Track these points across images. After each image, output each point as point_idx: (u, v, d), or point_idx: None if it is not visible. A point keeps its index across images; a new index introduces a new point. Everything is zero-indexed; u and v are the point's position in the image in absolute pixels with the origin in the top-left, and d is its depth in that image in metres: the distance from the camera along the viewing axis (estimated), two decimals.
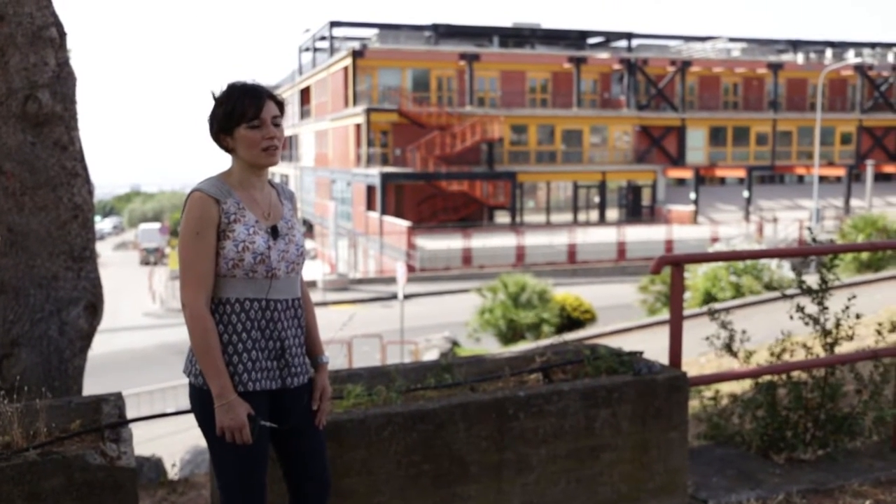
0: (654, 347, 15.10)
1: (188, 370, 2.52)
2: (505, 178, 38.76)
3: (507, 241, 33.83)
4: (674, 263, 3.71)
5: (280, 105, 2.56)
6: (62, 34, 5.19)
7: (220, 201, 2.47)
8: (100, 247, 63.16)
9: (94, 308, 5.48)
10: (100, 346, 21.43)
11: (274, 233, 2.53)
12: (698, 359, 11.29)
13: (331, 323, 24.08)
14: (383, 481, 3.00)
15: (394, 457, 3.01)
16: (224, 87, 2.53)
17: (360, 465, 2.96)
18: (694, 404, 6.54)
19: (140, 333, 26.50)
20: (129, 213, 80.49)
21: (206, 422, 2.46)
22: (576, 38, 47.15)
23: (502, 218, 39.59)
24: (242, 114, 2.46)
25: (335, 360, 20.10)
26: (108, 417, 2.93)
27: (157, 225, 57.04)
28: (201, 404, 2.47)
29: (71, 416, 3.01)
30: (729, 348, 4.24)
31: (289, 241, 2.57)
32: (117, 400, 3.08)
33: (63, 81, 5.13)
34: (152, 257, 49.03)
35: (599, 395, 3.30)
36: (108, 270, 46.36)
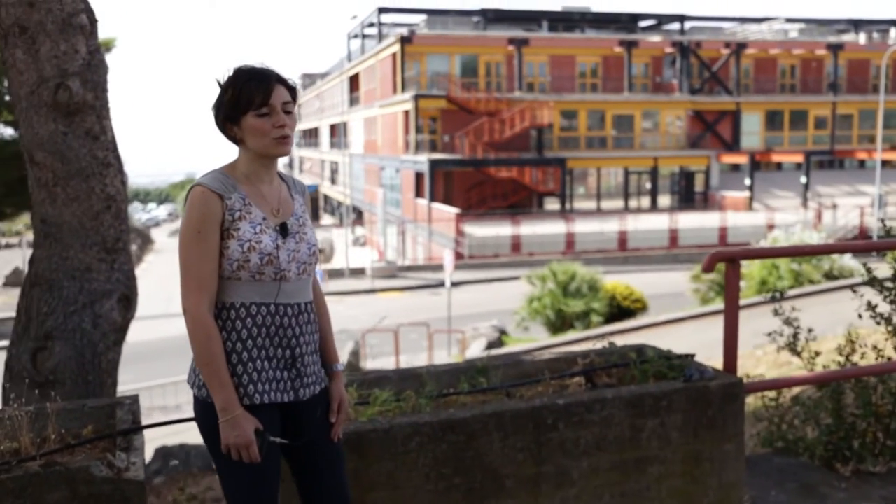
0: (707, 339, 14.67)
1: (192, 381, 2.33)
2: (555, 164, 38.26)
3: (556, 228, 33.40)
4: (728, 260, 3.41)
5: (292, 90, 2.35)
6: (93, 21, 5.06)
7: (223, 197, 2.27)
8: (155, 233, 64.36)
9: (127, 300, 5.37)
10: (155, 331, 21.76)
11: (283, 231, 2.33)
12: (754, 351, 10.87)
13: (378, 311, 24.14)
14: (410, 496, 2.79)
15: (422, 469, 2.80)
16: (230, 72, 2.32)
17: (385, 478, 2.76)
18: (751, 401, 6.22)
19: None
20: (182, 201, 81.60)
21: (212, 437, 2.27)
22: (627, 22, 46.26)
23: (552, 205, 39.12)
24: (249, 100, 2.25)
25: (383, 346, 20.11)
26: (122, 423, 2.78)
27: None
28: (205, 418, 2.28)
29: (84, 420, 2.86)
30: (793, 348, 3.93)
31: (300, 239, 2.36)
32: (132, 404, 2.92)
33: (94, 69, 5.00)
34: None
35: (646, 404, 3.04)
36: (163, 256, 47.35)
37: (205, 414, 2.27)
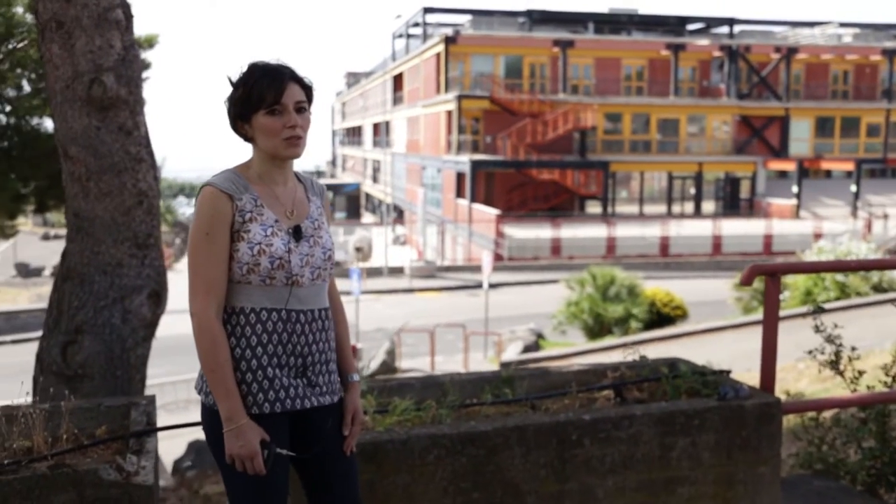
0: (747, 349, 14.34)
1: (199, 387, 2.25)
2: (597, 167, 37.91)
3: (597, 231, 33.07)
4: (768, 274, 3.26)
5: (307, 89, 2.26)
6: (129, 16, 5.05)
7: (233, 197, 2.19)
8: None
9: (157, 296, 5.36)
10: (188, 325, 21.94)
11: (297, 234, 2.24)
12: (796, 364, 10.58)
13: (415, 311, 24.10)
14: None
15: (440, 483, 2.70)
16: (243, 69, 2.25)
17: (401, 491, 2.67)
18: (789, 417, 6.01)
19: None
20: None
21: (218, 446, 2.18)
22: (674, 24, 45.66)
23: (593, 208, 38.76)
24: (261, 98, 2.17)
25: (419, 346, 20.06)
26: (136, 424, 2.72)
27: None
28: (212, 426, 2.20)
29: (99, 419, 2.82)
30: (835, 366, 3.75)
31: (314, 243, 2.27)
32: (148, 405, 2.87)
33: (128, 65, 5.00)
34: None
35: (677, 422, 2.91)
36: None
37: (211, 422, 2.19)
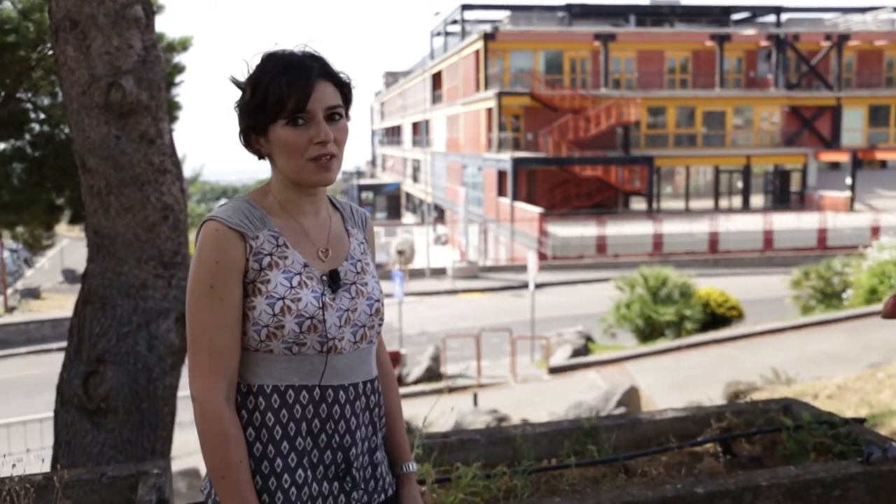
0: (811, 353, 13.50)
1: (206, 491, 1.70)
2: (641, 162, 37.03)
3: (643, 228, 32.24)
4: None
5: (344, 88, 1.69)
6: (149, 13, 4.59)
7: (246, 236, 1.63)
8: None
9: (185, 320, 4.93)
10: None
11: (333, 282, 1.68)
12: (874, 372, 9.83)
13: (458, 312, 23.56)
14: None
15: None
16: (256, 61, 1.67)
17: None
18: None
19: None
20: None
21: None
22: (719, 14, 44.51)
23: (638, 204, 37.89)
24: (279, 103, 1.61)
25: (463, 350, 19.53)
26: (144, 502, 2.23)
27: None
28: None
29: (101, 494, 2.33)
30: None
31: (357, 293, 1.71)
32: (159, 476, 2.37)
33: (149, 67, 4.54)
34: None
35: (813, 493, 2.34)
36: None
37: None
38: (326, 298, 1.66)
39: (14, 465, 2.35)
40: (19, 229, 11.09)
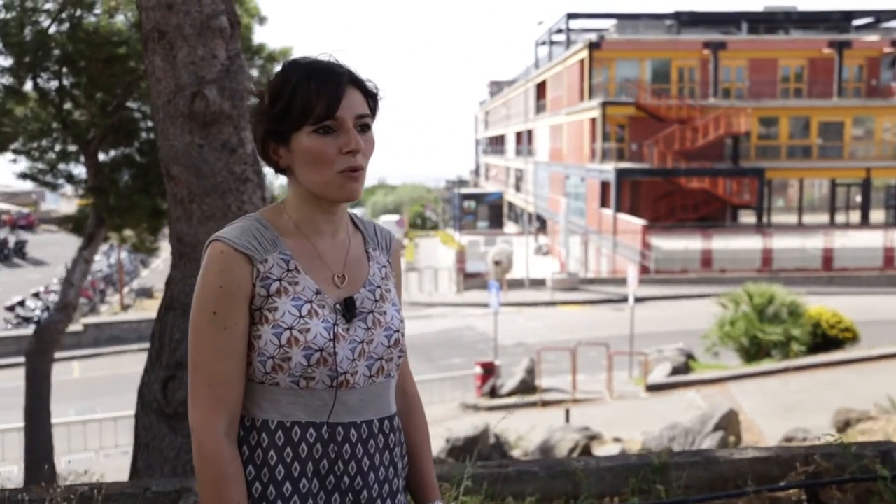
0: None
1: None
2: (751, 174, 35.71)
3: (752, 243, 31.08)
4: None
5: (371, 97, 1.57)
6: (234, 24, 4.63)
7: (254, 259, 1.52)
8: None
9: None
10: None
11: (348, 311, 1.55)
12: None
13: (556, 324, 23.26)
14: None
15: None
16: (278, 69, 1.57)
17: None
18: None
19: None
20: (371, 205, 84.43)
21: None
22: (838, 20, 42.54)
23: (747, 218, 36.56)
24: (306, 109, 1.50)
25: (560, 363, 19.19)
26: None
27: (395, 217, 59.08)
28: None
29: None
30: None
31: (374, 322, 1.58)
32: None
33: (233, 76, 4.57)
34: None
35: None
36: None
37: None
38: (339, 329, 1.54)
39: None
40: (127, 232, 11.52)
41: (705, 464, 2.56)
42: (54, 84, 10.30)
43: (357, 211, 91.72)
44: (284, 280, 1.54)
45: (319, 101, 1.50)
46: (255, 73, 11.17)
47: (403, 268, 40.72)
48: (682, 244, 30.88)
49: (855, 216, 37.55)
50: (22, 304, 26.58)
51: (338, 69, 1.55)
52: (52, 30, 10.12)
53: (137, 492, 2.34)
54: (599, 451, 10.43)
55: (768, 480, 2.51)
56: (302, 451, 1.52)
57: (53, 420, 12.52)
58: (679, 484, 2.46)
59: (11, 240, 43.93)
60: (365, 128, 1.56)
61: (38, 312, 25.06)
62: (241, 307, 1.52)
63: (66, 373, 20.06)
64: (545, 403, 16.15)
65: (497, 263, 31.31)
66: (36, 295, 27.75)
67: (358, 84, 1.56)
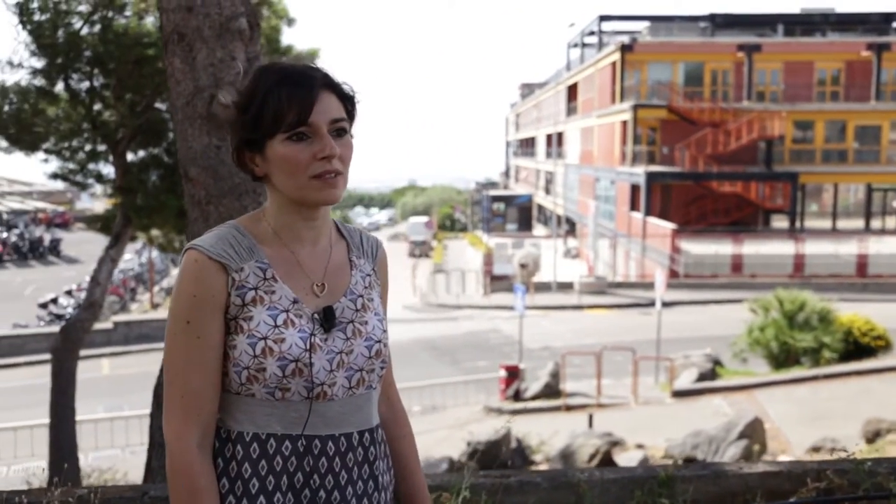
0: None
1: None
2: (785, 178, 35.24)
3: (784, 248, 30.66)
4: None
5: (348, 101, 1.55)
6: (254, 25, 4.64)
7: (228, 268, 1.49)
8: (377, 236, 67.06)
9: None
10: None
11: (327, 320, 1.51)
12: None
13: (583, 328, 23.11)
14: None
15: None
16: (251, 74, 1.58)
17: None
18: None
19: (398, 326, 27.10)
20: (401, 206, 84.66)
21: None
22: (877, 22, 41.82)
23: (780, 222, 36.09)
24: (278, 116, 1.47)
25: (585, 367, 19.06)
26: None
27: (424, 219, 59.15)
28: None
29: None
30: None
31: (353, 332, 1.54)
32: None
33: None
34: (418, 250, 50.66)
35: None
36: None
37: None
38: (316, 339, 1.50)
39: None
40: (154, 232, 11.63)
41: (713, 477, 2.50)
42: (85, 85, 10.43)
43: (386, 213, 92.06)
44: (260, 289, 1.51)
45: (291, 107, 1.48)
46: None
47: (431, 269, 40.45)
48: (713, 248, 30.56)
49: (891, 222, 36.94)
50: (55, 301, 26.96)
51: (310, 73, 1.51)
52: (83, 31, 10.25)
53: (136, 496, 2.33)
54: (621, 457, 10.33)
55: (779, 496, 2.45)
56: (277, 464, 1.49)
57: (81, 417, 12.69)
58: (685, 498, 2.40)
59: (47, 238, 44.65)
60: (341, 132, 1.53)
61: (69, 310, 25.38)
62: (216, 316, 1.49)
63: (96, 370, 20.33)
64: (569, 408, 16.04)
65: (523, 266, 31.21)
66: (69, 292, 28.13)
67: (333, 88, 1.53)
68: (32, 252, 43.59)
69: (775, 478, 2.50)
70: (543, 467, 11.28)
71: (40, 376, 18.60)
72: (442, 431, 15.13)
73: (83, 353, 13.00)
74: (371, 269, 1.66)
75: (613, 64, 38.18)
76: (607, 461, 9.88)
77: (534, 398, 16.93)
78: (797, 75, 37.81)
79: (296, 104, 1.48)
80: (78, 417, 11.80)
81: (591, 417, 13.76)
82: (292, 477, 1.50)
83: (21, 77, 10.37)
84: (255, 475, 1.49)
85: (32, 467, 10.84)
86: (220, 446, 1.52)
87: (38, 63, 10.25)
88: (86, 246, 39.81)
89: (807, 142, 37.17)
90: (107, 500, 2.23)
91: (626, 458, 10.06)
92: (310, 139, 1.50)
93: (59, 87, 10.40)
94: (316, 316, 1.53)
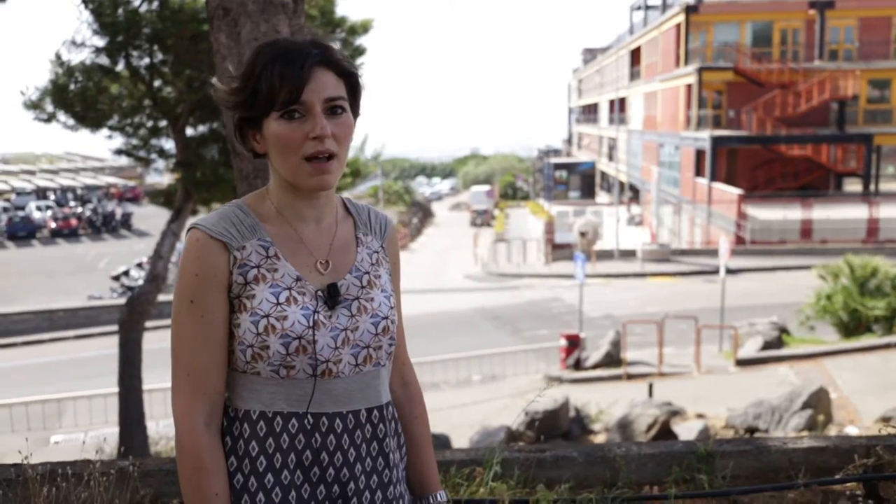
0: None
1: None
2: (858, 140, 33.99)
3: (856, 212, 29.67)
4: None
5: (348, 77, 1.52)
6: None
7: (229, 246, 1.49)
8: (437, 206, 67.06)
9: None
10: (423, 306, 22.53)
11: (331, 297, 1.50)
12: None
13: (646, 297, 22.82)
14: None
15: None
16: (251, 51, 1.54)
17: None
18: None
19: (460, 296, 27.18)
20: (463, 176, 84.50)
21: None
22: None
23: (852, 186, 34.90)
24: (271, 93, 1.45)
25: (647, 336, 18.84)
26: None
27: (486, 187, 58.98)
28: None
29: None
30: None
31: (359, 309, 1.53)
32: None
33: None
34: (479, 219, 50.60)
35: None
36: (442, 230, 49.24)
37: None
38: (320, 316, 1.49)
39: None
40: (214, 206, 11.84)
41: (756, 453, 2.43)
42: (145, 62, 10.64)
43: (448, 182, 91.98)
44: (263, 267, 1.51)
45: (283, 85, 1.45)
46: (337, 45, 11.27)
47: (492, 238, 40.22)
48: (781, 214, 29.77)
49: None
50: (126, 273, 27.81)
51: (305, 50, 1.49)
52: (142, 9, 10.43)
53: (175, 468, 2.39)
54: (680, 427, 10.19)
55: (824, 472, 2.37)
56: (283, 441, 1.49)
57: (153, 385, 13.09)
58: (725, 474, 2.34)
59: (118, 212, 45.93)
60: (338, 111, 1.50)
61: (140, 282, 26.15)
62: (219, 295, 1.50)
63: (165, 340, 20.92)
64: (630, 377, 15.89)
65: (583, 234, 30.88)
66: (139, 265, 28.97)
67: (331, 64, 1.50)
68: (105, 226, 44.95)
69: (821, 453, 2.42)
70: (601, 437, 11.22)
71: (113, 346, 19.27)
72: (502, 400, 15.17)
73: (153, 324, 13.38)
74: (379, 247, 1.64)
75: (678, 26, 37.21)
76: (665, 431, 9.78)
77: (594, 367, 16.83)
78: (873, 31, 36.28)
79: (287, 82, 1.46)
80: (149, 386, 12.19)
81: (650, 387, 13.61)
82: (300, 454, 1.50)
83: (85, 56, 10.63)
84: (263, 453, 1.49)
85: (107, 434, 11.25)
86: (227, 424, 1.53)
87: (101, 42, 10.49)
88: (154, 220, 40.84)
89: (883, 101, 35.75)
90: (146, 472, 2.28)
91: (686, 429, 9.93)
92: (303, 118, 1.48)
93: (121, 65, 10.63)
94: (320, 293, 1.52)
